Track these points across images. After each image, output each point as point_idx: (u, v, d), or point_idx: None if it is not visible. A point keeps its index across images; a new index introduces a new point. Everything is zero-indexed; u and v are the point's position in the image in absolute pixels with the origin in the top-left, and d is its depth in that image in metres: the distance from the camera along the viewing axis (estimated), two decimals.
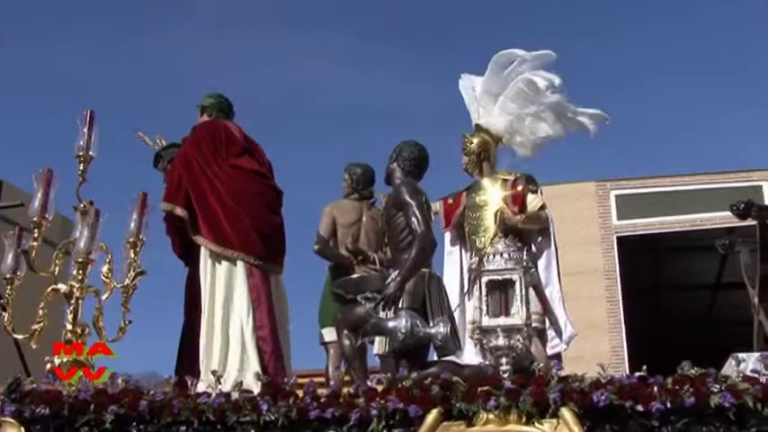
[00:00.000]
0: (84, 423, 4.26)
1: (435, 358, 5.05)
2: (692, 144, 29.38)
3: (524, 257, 4.66)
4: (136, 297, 5.10)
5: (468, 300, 5.52)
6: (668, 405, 3.88)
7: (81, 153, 5.15)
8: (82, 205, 5.07)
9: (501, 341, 4.35)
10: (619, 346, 12.97)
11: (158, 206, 5.59)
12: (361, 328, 5.01)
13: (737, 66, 29.71)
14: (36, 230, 4.97)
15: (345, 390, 4.31)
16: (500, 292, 4.48)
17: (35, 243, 4.97)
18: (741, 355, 4.25)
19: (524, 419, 3.94)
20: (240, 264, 5.60)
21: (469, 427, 3.99)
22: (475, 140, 6.10)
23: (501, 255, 4.63)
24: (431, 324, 4.91)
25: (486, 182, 6.04)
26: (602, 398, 3.89)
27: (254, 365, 5.30)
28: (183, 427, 4.27)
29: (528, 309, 4.46)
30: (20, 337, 4.98)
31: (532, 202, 5.88)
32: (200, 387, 4.63)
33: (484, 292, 4.48)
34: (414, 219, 5.06)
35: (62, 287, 4.92)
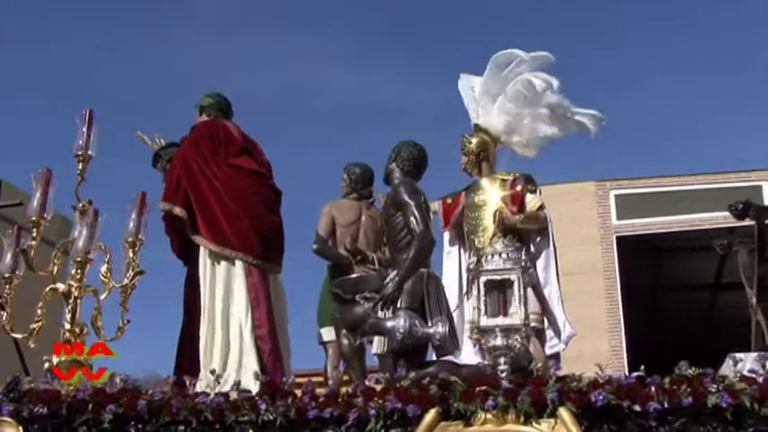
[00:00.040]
0: (82, 422, 4.26)
1: (434, 358, 5.05)
2: (691, 144, 29.34)
3: (523, 257, 4.67)
4: (134, 297, 5.11)
5: (467, 300, 5.52)
6: (666, 405, 3.89)
7: (80, 152, 5.16)
8: (81, 205, 5.07)
9: (499, 341, 4.36)
10: (618, 346, 12.97)
11: (157, 206, 5.60)
12: (360, 328, 5.02)
13: (737, 66, 29.71)
14: (35, 230, 4.97)
15: (344, 389, 4.31)
16: (498, 292, 4.49)
17: (34, 242, 4.97)
18: (738, 355, 4.25)
19: (522, 419, 3.94)
20: (239, 263, 5.60)
21: (467, 426, 3.99)
22: (474, 140, 6.10)
23: (499, 255, 4.65)
24: (429, 324, 4.92)
25: (484, 182, 6.05)
26: (600, 398, 3.90)
27: (252, 365, 5.30)
28: (182, 427, 4.28)
29: (526, 309, 4.47)
30: (18, 336, 4.98)
31: (531, 201, 5.88)
32: (200, 387, 4.64)
33: (482, 292, 4.49)
34: (412, 218, 5.07)
35: (60, 286, 4.92)
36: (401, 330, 4.83)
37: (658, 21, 28.93)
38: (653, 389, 3.94)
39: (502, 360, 4.29)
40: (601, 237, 13.64)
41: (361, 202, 6.53)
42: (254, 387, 4.68)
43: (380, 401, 4.08)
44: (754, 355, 4.42)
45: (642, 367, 4.12)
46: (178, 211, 5.63)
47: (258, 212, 5.73)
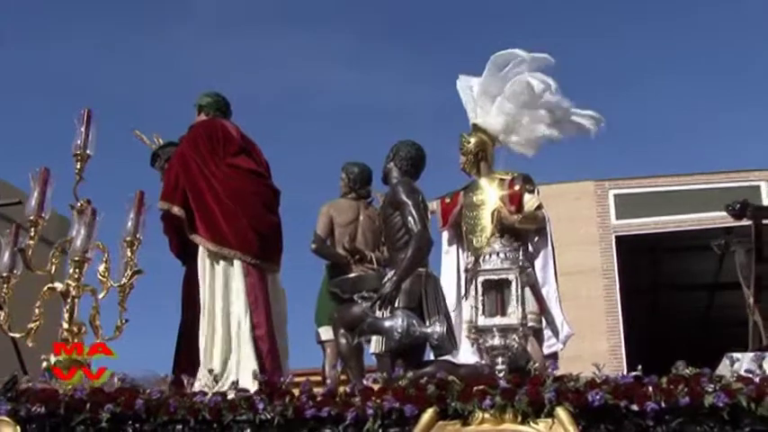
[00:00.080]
0: (80, 422, 4.26)
1: (432, 357, 5.05)
2: (691, 144, 29.35)
3: (520, 257, 4.69)
4: (132, 296, 5.12)
5: (465, 299, 5.53)
6: (663, 405, 3.88)
7: (78, 152, 5.16)
8: (79, 204, 5.07)
9: (497, 341, 4.36)
10: (617, 346, 12.97)
11: (155, 205, 5.60)
12: (358, 328, 5.02)
13: (737, 66, 29.70)
14: (33, 229, 4.97)
15: (341, 389, 4.32)
16: (496, 291, 4.49)
17: (32, 241, 4.97)
18: (735, 355, 4.26)
19: (520, 419, 3.94)
20: (237, 263, 5.60)
21: (465, 426, 3.99)
22: (472, 140, 6.10)
23: (497, 254, 4.67)
24: (427, 323, 4.92)
25: (483, 181, 6.05)
26: (597, 397, 3.90)
27: (251, 365, 5.30)
28: (180, 426, 4.27)
29: (524, 308, 4.47)
30: (16, 335, 4.98)
31: (529, 201, 5.89)
32: (198, 386, 4.64)
33: (480, 292, 4.49)
34: (410, 218, 5.07)
35: (59, 286, 4.92)
36: (399, 330, 4.84)
37: (658, 21, 28.95)
38: (650, 388, 3.94)
39: (499, 360, 4.30)
40: (600, 236, 13.64)
41: (359, 201, 6.53)
42: (252, 386, 4.68)
43: (378, 401, 4.07)
44: (751, 355, 4.43)
45: (639, 367, 4.12)
46: (176, 210, 5.64)
47: (256, 212, 5.73)
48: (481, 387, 4.02)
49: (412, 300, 4.99)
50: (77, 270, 4.91)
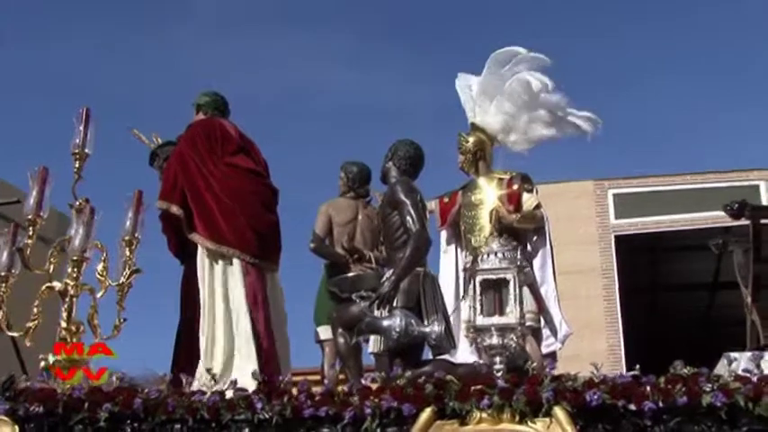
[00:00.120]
0: (78, 421, 4.25)
1: (430, 357, 5.05)
2: (691, 144, 29.40)
3: (518, 257, 4.69)
4: (131, 295, 5.10)
5: (464, 299, 5.53)
6: (660, 404, 3.88)
7: (77, 151, 5.15)
8: (77, 203, 5.06)
9: (495, 340, 4.36)
10: (616, 345, 12.98)
11: (154, 204, 5.60)
12: (356, 327, 5.02)
13: (737, 66, 29.73)
14: (31, 228, 4.97)
15: (340, 388, 4.32)
16: (494, 291, 4.49)
17: (30, 241, 4.97)
18: (733, 355, 4.27)
19: (517, 418, 3.94)
20: (236, 261, 5.61)
21: (463, 425, 3.99)
22: (471, 139, 6.11)
23: (495, 254, 4.65)
24: (425, 323, 4.93)
25: (481, 181, 6.05)
26: (595, 397, 3.90)
27: (250, 364, 5.30)
28: (178, 425, 4.26)
29: (522, 308, 4.47)
30: (15, 334, 4.98)
31: (528, 201, 5.89)
32: (197, 385, 4.64)
33: (478, 291, 4.49)
34: (408, 217, 5.07)
35: (57, 285, 4.91)
36: (397, 329, 4.84)
37: (658, 21, 28.97)
38: (648, 388, 3.94)
39: (497, 359, 4.29)
40: (599, 236, 13.65)
41: (358, 200, 6.54)
42: (251, 386, 4.69)
43: (376, 400, 4.07)
44: (749, 354, 4.43)
45: (637, 366, 4.12)
46: (175, 209, 5.64)
47: (255, 211, 5.73)
48: (479, 387, 4.01)
49: (410, 299, 5.00)
50: (76, 269, 4.90)
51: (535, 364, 4.32)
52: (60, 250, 5.08)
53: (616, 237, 13.67)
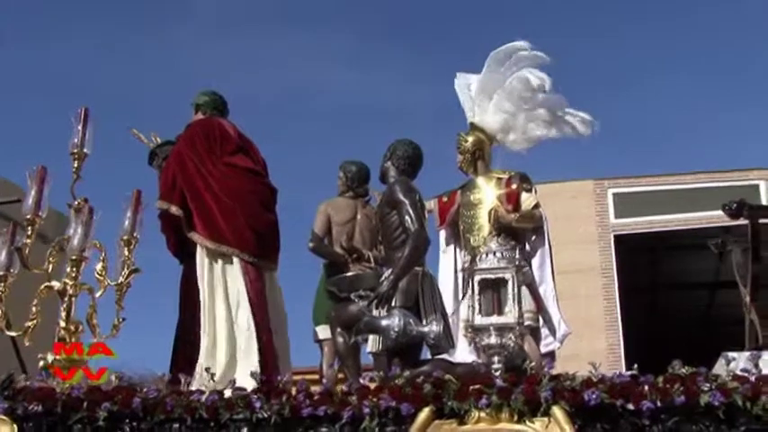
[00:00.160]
0: (77, 420, 4.25)
1: (429, 356, 5.06)
2: (691, 144, 29.40)
3: (517, 256, 4.69)
4: (130, 295, 5.10)
5: (462, 298, 5.53)
6: (659, 404, 3.88)
7: (75, 150, 5.15)
8: (76, 203, 5.07)
9: (493, 340, 4.36)
10: (616, 345, 12.97)
11: (152, 204, 5.61)
12: (355, 326, 5.03)
13: (737, 66, 29.73)
14: (30, 228, 4.97)
15: (338, 387, 4.32)
16: (492, 290, 4.49)
17: (29, 240, 4.97)
18: (731, 354, 4.27)
19: (516, 418, 3.94)
20: (236, 260, 5.61)
21: (461, 425, 3.99)
22: (470, 139, 6.11)
23: (494, 253, 4.65)
24: (424, 322, 4.93)
25: (480, 180, 6.06)
26: (593, 396, 3.90)
27: (249, 363, 5.30)
28: (176, 425, 4.27)
29: (520, 307, 4.47)
30: (13, 334, 4.98)
31: (526, 200, 5.89)
32: (196, 384, 4.63)
33: (476, 291, 4.49)
34: (407, 217, 5.07)
35: (56, 284, 4.91)
36: (395, 329, 4.84)
37: (658, 21, 28.97)
38: (646, 388, 3.94)
39: (496, 359, 4.29)
40: (599, 235, 13.64)
41: (356, 200, 6.54)
42: (250, 385, 4.69)
43: (375, 400, 4.07)
44: (747, 354, 4.43)
45: (635, 366, 4.12)
46: (174, 210, 5.64)
47: (254, 210, 5.73)
48: (477, 386, 4.02)
49: (409, 299, 5.00)
50: (75, 269, 4.90)
51: (533, 364, 4.32)
52: (59, 250, 5.08)
53: (616, 236, 13.66)
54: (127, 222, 5.20)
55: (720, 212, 7.24)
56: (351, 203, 6.50)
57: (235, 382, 4.54)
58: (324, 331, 6.32)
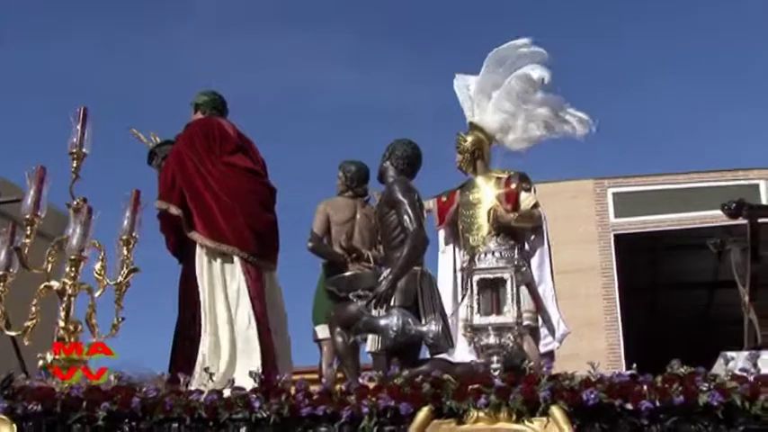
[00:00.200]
0: (76, 420, 4.25)
1: (427, 356, 5.06)
2: (691, 144, 29.37)
3: (516, 256, 4.69)
4: (129, 294, 5.10)
5: (462, 298, 5.53)
6: (657, 403, 3.88)
7: (74, 150, 5.15)
8: (75, 202, 5.07)
9: (492, 339, 4.36)
10: (615, 344, 12.98)
11: (151, 203, 5.61)
12: (354, 326, 5.03)
13: (737, 66, 29.71)
14: (29, 228, 4.97)
15: (337, 387, 4.32)
16: (491, 290, 4.49)
17: (28, 240, 4.97)
18: (730, 354, 4.27)
19: (514, 417, 3.94)
20: (236, 259, 5.61)
21: (460, 425, 3.99)
22: (469, 138, 6.12)
23: (493, 253, 4.66)
24: (423, 322, 4.93)
25: (479, 180, 6.06)
26: (592, 396, 3.90)
27: (249, 363, 5.30)
28: (176, 424, 4.27)
29: (519, 307, 4.47)
30: (13, 333, 4.98)
31: (526, 200, 5.89)
32: (195, 384, 4.63)
33: (475, 291, 4.49)
34: (406, 217, 5.07)
35: (55, 284, 4.91)
36: (394, 328, 4.84)
37: (658, 21, 28.95)
38: (645, 387, 3.94)
39: (495, 358, 4.29)
40: (599, 235, 13.64)
41: (356, 199, 6.54)
42: (249, 385, 4.69)
43: (374, 399, 4.07)
44: (746, 353, 4.44)
45: (634, 365, 4.12)
46: (174, 210, 5.64)
47: (253, 210, 5.73)
48: (476, 386, 4.02)
49: (407, 298, 5.00)
50: (74, 268, 4.90)
51: (532, 364, 4.32)
52: (58, 249, 5.08)
53: (615, 235, 13.66)
54: (126, 222, 5.20)
55: (720, 212, 7.25)
56: (350, 203, 6.50)
57: (234, 381, 4.55)
58: (323, 331, 6.32)
